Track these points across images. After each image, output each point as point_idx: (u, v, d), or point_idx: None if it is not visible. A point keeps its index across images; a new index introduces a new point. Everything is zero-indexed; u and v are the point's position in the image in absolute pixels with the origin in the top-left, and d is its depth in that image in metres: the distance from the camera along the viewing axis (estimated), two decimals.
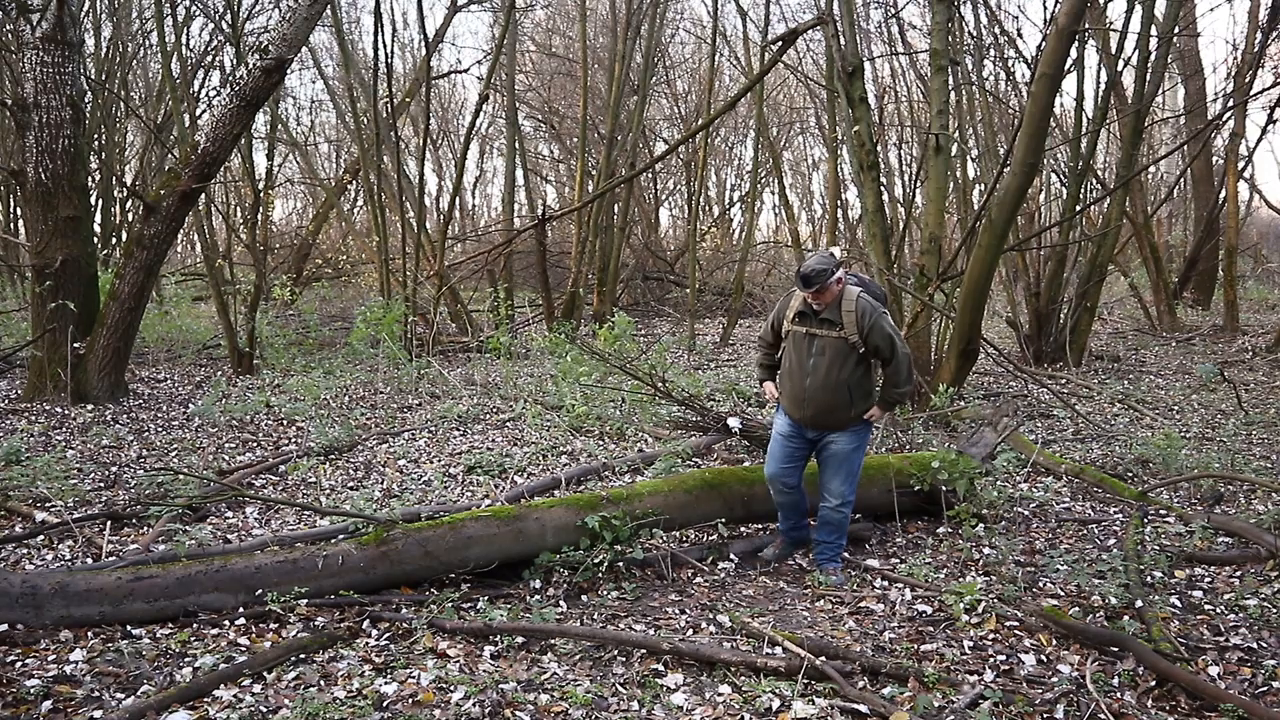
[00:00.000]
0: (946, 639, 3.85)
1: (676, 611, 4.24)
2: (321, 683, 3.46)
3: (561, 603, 4.30)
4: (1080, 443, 7.34)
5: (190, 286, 18.09)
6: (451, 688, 3.42)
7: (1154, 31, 10.54)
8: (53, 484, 5.78)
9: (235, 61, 11.55)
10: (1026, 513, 5.60)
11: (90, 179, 11.70)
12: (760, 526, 5.30)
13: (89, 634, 3.80)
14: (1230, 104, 13.23)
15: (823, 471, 4.61)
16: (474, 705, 3.29)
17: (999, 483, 5.78)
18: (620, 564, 4.57)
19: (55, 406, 8.30)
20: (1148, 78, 10.48)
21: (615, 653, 3.74)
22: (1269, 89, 13.22)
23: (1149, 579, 4.43)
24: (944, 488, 5.26)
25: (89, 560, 4.67)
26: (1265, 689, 3.38)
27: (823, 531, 4.66)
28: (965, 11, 12.16)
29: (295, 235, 21.17)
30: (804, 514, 4.79)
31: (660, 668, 3.60)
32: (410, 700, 3.34)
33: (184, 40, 15.37)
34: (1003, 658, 3.66)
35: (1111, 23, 11.35)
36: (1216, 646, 3.72)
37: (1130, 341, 13.21)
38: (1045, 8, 19.34)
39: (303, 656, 3.66)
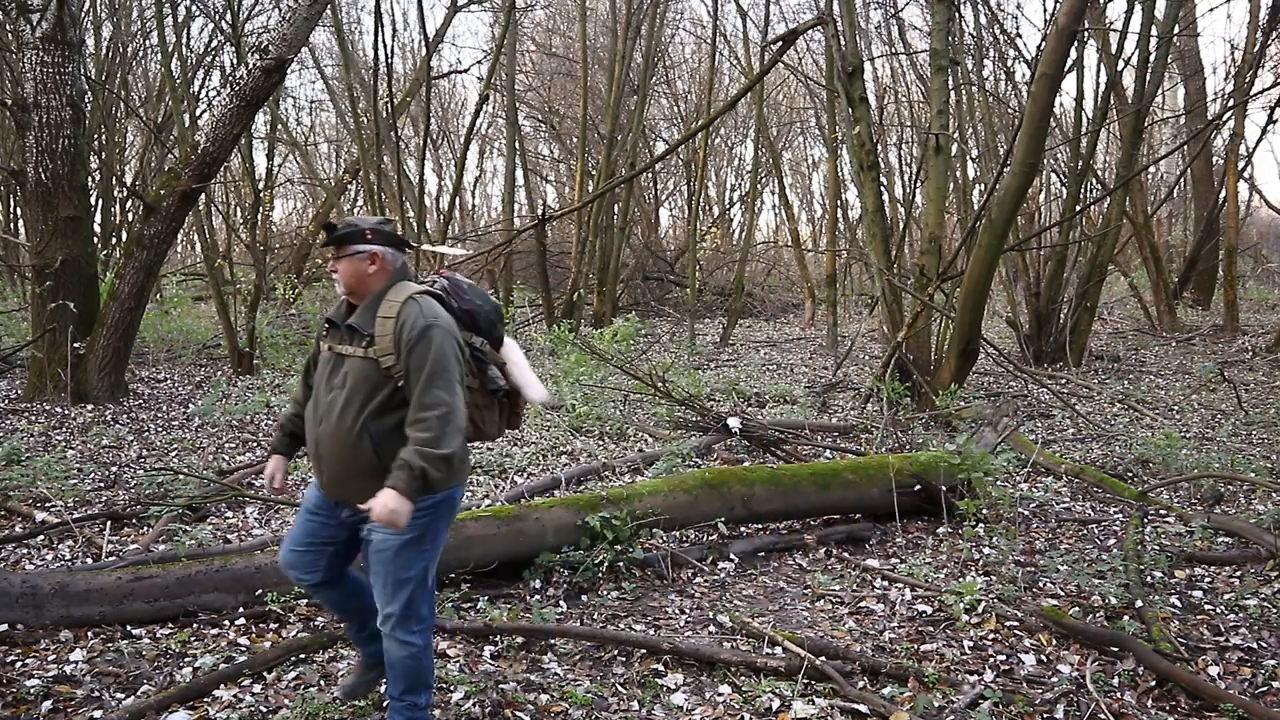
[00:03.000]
0: (946, 639, 3.85)
1: (676, 611, 4.24)
2: (321, 683, 3.46)
3: (561, 603, 4.30)
4: (1080, 443, 7.33)
5: (190, 286, 18.09)
6: (451, 688, 3.42)
7: (1154, 31, 10.55)
8: (53, 484, 5.78)
9: (235, 61, 11.55)
10: (1026, 513, 5.60)
11: (90, 179, 11.70)
12: (760, 526, 5.31)
13: (89, 634, 3.80)
14: (1230, 104, 13.24)
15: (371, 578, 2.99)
16: (474, 705, 3.30)
17: (999, 483, 5.78)
18: (620, 564, 4.56)
19: (55, 406, 8.30)
20: (1148, 78, 10.49)
21: (615, 653, 3.74)
22: (1269, 89, 13.23)
23: (1149, 579, 4.43)
24: (943, 487, 5.26)
25: (89, 560, 4.67)
26: (1265, 689, 3.38)
27: (389, 679, 2.96)
28: (965, 12, 12.16)
29: (295, 235, 21.17)
30: (367, 612, 3.07)
31: (660, 668, 3.60)
32: None
33: (184, 40, 15.37)
34: (1003, 658, 3.66)
35: (1111, 23, 11.36)
36: (1216, 646, 3.72)
37: (1130, 341, 13.21)
38: (1045, 8, 19.36)
39: (303, 656, 3.66)
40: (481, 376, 2.95)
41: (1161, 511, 5.51)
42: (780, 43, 7.22)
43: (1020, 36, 24.37)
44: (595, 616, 4.18)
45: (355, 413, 2.79)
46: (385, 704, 3.07)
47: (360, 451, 2.79)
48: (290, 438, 3.18)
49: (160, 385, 10.07)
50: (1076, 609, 4.06)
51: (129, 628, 3.86)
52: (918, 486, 5.30)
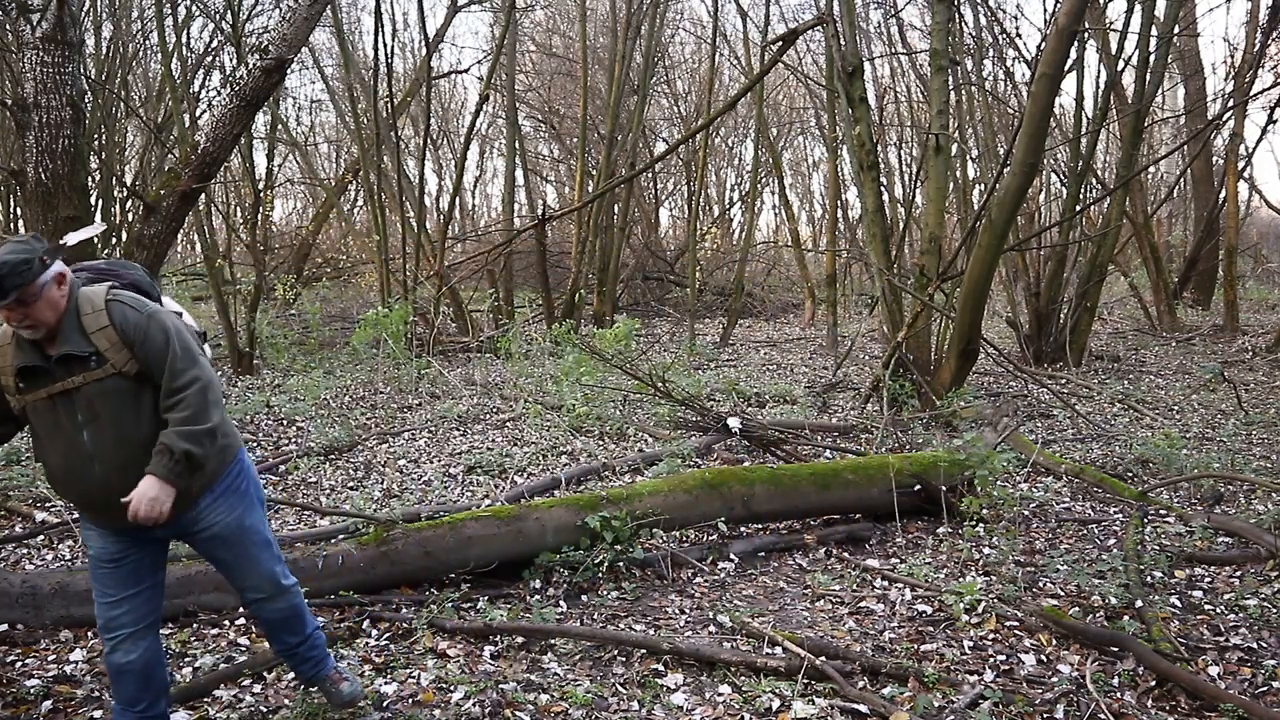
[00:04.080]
0: (946, 639, 3.85)
1: (676, 611, 4.24)
2: None
3: (561, 603, 4.30)
4: (1080, 443, 7.33)
5: (190, 286, 18.11)
6: (451, 688, 3.42)
7: (1154, 31, 10.55)
8: None
9: (235, 61, 11.56)
10: (1026, 513, 5.60)
11: (90, 179, 11.69)
12: (760, 526, 5.30)
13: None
14: (1230, 104, 13.24)
15: (223, 571, 3.03)
16: (474, 705, 3.30)
17: (999, 483, 5.78)
18: (620, 564, 4.57)
19: None
20: (1148, 78, 10.48)
21: (615, 653, 3.74)
22: (1269, 89, 13.22)
23: (1149, 579, 4.43)
24: (943, 487, 5.26)
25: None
26: (1265, 689, 3.38)
27: (281, 637, 3.10)
28: (965, 12, 12.16)
29: (295, 235, 21.17)
30: (161, 688, 2.94)
31: (660, 668, 3.60)
32: (410, 700, 3.34)
33: (184, 40, 15.36)
34: (1003, 658, 3.66)
35: (1111, 23, 11.35)
36: (1216, 646, 3.72)
37: (1130, 341, 13.20)
38: (1045, 8, 19.37)
39: None
40: None
41: (1161, 511, 5.51)
42: (780, 43, 7.21)
43: (1020, 36, 24.40)
44: (595, 616, 4.18)
45: (134, 433, 2.66)
46: (294, 669, 3.20)
47: None
48: None
49: None
50: (1076, 609, 4.06)
51: None
52: (918, 486, 5.30)
